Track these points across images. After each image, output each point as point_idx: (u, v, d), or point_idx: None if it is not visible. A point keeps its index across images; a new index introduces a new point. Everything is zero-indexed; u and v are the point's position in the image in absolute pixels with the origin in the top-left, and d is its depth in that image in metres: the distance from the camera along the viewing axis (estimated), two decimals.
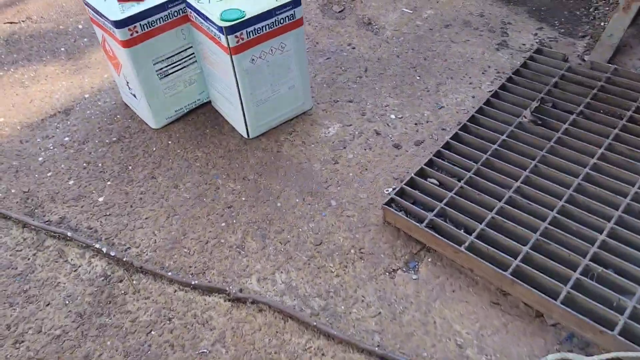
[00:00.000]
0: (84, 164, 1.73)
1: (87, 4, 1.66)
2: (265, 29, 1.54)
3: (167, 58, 1.70)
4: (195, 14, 1.59)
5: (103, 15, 1.58)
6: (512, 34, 2.06)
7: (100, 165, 1.72)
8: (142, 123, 1.85)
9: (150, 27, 1.60)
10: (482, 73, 1.89)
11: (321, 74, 1.97)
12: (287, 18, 1.56)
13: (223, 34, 1.48)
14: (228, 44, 1.50)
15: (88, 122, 1.89)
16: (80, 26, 2.40)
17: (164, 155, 1.73)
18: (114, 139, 1.81)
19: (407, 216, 1.40)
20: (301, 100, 1.79)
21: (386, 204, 1.42)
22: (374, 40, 2.12)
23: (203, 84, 1.84)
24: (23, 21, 2.48)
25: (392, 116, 1.77)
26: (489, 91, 1.81)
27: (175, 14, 1.64)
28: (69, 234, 1.50)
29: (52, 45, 2.29)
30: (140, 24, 1.58)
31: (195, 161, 1.70)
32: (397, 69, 1.96)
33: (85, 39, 2.31)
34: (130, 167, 1.70)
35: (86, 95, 2.01)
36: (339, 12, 2.31)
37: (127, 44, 1.59)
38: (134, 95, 1.79)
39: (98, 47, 2.24)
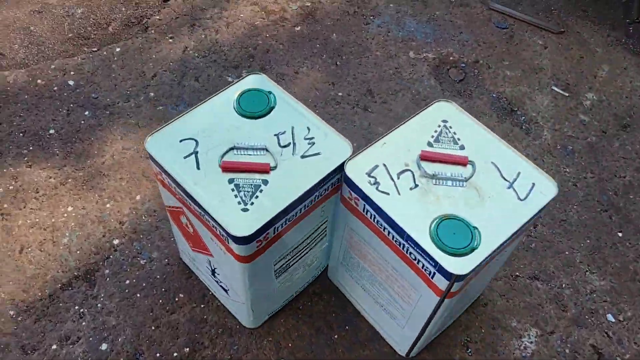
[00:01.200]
0: None
1: (165, 172, 0.91)
2: (502, 246, 0.90)
3: (293, 249, 1.01)
4: (368, 208, 0.90)
5: (209, 215, 0.85)
6: None
7: None
8: (224, 312, 1.17)
9: (285, 223, 0.91)
10: None
11: None
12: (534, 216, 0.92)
13: (447, 280, 0.83)
14: (447, 291, 0.86)
15: (133, 307, 1.17)
16: (71, 82, 1.55)
17: None
18: (186, 349, 1.12)
19: None
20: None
21: None
22: (530, 148, 1.49)
23: (324, 258, 1.17)
24: None
25: (610, 317, 1.21)
26: None
27: (323, 191, 0.94)
28: None
29: (34, 122, 1.46)
30: (274, 227, 0.88)
31: None
32: (582, 212, 1.38)
33: (87, 112, 1.49)
34: None
35: (115, 242, 1.26)
36: (460, 81, 1.64)
37: (247, 259, 0.90)
38: (225, 290, 1.09)
39: (110, 130, 1.44)
